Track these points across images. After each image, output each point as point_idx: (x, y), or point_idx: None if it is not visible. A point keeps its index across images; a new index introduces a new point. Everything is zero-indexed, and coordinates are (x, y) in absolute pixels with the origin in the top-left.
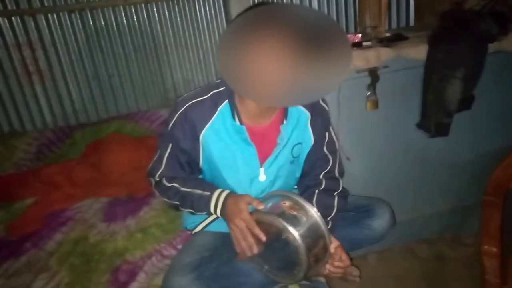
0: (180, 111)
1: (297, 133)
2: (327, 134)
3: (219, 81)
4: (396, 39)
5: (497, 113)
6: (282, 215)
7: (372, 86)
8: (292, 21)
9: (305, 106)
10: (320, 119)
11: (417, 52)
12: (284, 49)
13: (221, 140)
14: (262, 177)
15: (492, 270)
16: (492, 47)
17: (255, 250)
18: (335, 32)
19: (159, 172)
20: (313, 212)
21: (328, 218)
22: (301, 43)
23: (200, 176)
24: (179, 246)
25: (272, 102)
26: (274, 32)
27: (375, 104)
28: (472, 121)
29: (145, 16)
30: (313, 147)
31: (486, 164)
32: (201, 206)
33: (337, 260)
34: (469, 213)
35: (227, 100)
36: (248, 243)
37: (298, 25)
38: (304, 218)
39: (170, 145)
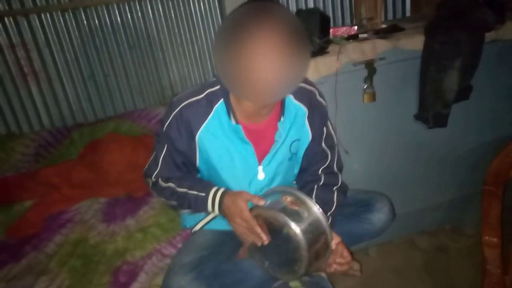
0: (175, 112)
1: (295, 130)
2: (325, 129)
3: (214, 79)
4: (392, 30)
5: (495, 103)
6: (284, 210)
7: (369, 78)
8: (275, 21)
9: (302, 102)
10: (317, 114)
11: (414, 43)
12: (273, 47)
13: (217, 140)
14: (261, 175)
15: (493, 260)
16: (489, 36)
17: (266, 239)
18: (300, 29)
19: (155, 173)
20: (315, 208)
21: (328, 214)
22: (284, 41)
23: (198, 175)
24: (179, 245)
25: (264, 99)
26: (261, 34)
27: (373, 97)
28: (470, 111)
29: (139, 14)
30: (311, 142)
31: (485, 154)
32: (198, 206)
33: (339, 256)
34: (469, 204)
35: (222, 99)
36: (256, 235)
37: (280, 25)
38: (306, 214)
39: (166, 145)
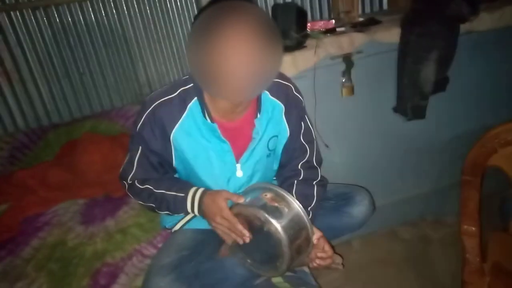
0: (147, 112)
1: (272, 126)
2: (302, 124)
3: (186, 77)
4: (369, 23)
5: (472, 93)
6: (264, 207)
7: (347, 72)
8: (246, 18)
9: (278, 98)
10: (294, 109)
11: (391, 36)
12: (245, 44)
13: (193, 139)
14: (239, 173)
15: (472, 249)
16: (463, 28)
17: (247, 237)
18: (272, 25)
19: (131, 175)
20: (295, 203)
21: (309, 208)
22: (256, 37)
23: (176, 175)
24: (160, 245)
25: (238, 96)
26: (232, 31)
27: (351, 90)
28: (448, 102)
29: (114, 11)
30: (290, 138)
31: (463, 145)
32: (177, 207)
33: (320, 250)
34: (449, 194)
35: (196, 98)
36: (237, 233)
37: (251, 21)
38: (286, 210)
39: (140, 147)
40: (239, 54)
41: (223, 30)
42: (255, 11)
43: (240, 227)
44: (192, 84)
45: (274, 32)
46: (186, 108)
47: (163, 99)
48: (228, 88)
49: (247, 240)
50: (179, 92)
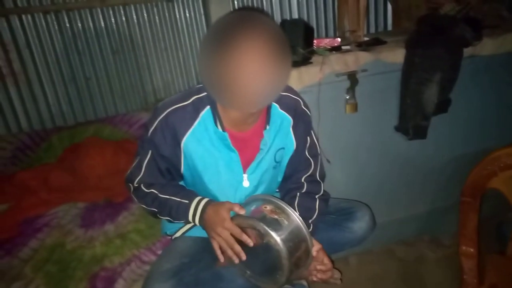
0: (160, 117)
1: (280, 138)
2: (308, 138)
3: (200, 85)
4: (374, 43)
5: (473, 116)
6: (264, 219)
7: (351, 89)
8: (260, 30)
9: (287, 111)
10: (302, 123)
11: (395, 56)
12: (258, 56)
13: (203, 147)
14: (246, 183)
15: (470, 271)
16: (467, 51)
17: (244, 256)
18: (283, 38)
19: (138, 178)
20: (295, 216)
21: (310, 221)
22: (269, 49)
23: (182, 183)
24: (159, 252)
25: (248, 107)
26: (247, 43)
27: (355, 108)
28: (449, 124)
29: (123, 18)
30: (295, 151)
31: (463, 166)
32: (179, 214)
33: (319, 263)
34: (447, 214)
35: (209, 106)
36: (235, 250)
37: (265, 34)
38: (286, 222)
39: (150, 151)
40: (252, 67)
41: (237, 42)
42: (268, 24)
43: (244, 236)
44: (205, 93)
45: (285, 45)
46: (198, 116)
47: (176, 106)
48: (239, 99)
49: (244, 258)
50: (192, 100)
